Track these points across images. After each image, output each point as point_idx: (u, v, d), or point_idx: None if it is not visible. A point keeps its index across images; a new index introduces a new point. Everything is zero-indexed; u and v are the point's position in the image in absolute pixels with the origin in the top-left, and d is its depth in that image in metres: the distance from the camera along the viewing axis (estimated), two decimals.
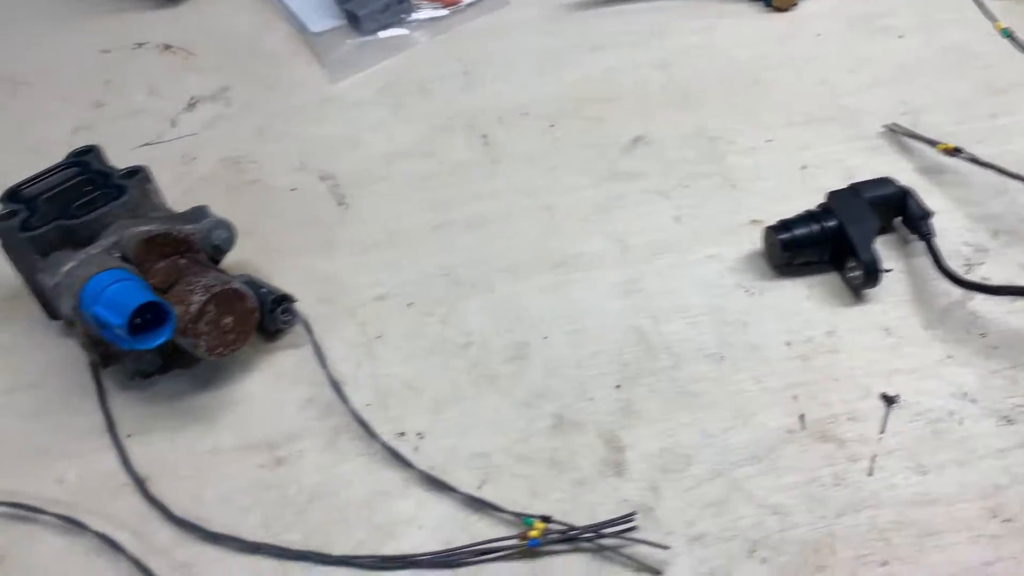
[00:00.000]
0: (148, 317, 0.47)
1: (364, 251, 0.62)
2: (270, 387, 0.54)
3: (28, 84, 0.80)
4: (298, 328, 0.56)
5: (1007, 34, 0.58)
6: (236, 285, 0.51)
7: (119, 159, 0.58)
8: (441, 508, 0.48)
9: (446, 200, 0.65)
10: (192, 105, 0.76)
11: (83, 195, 0.54)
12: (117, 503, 0.49)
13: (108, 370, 0.54)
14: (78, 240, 0.52)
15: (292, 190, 0.67)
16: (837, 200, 0.56)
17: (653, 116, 0.70)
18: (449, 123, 0.72)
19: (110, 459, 0.51)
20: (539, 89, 0.74)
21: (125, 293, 0.47)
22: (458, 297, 0.58)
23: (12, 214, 0.53)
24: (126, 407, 0.53)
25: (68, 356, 0.56)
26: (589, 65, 0.76)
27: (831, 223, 0.55)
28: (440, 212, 0.64)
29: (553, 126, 0.71)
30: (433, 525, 0.47)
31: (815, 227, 0.55)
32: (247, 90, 0.77)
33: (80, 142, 0.68)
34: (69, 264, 0.49)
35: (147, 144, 0.72)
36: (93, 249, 0.50)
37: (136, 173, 0.55)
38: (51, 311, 0.56)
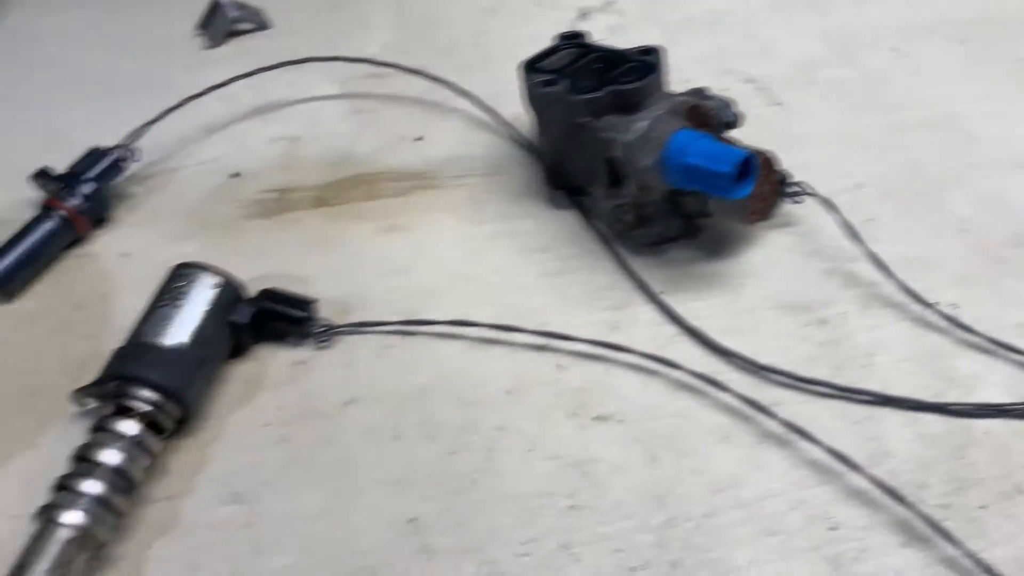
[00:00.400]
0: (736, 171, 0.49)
1: (819, 146, 0.64)
2: (780, 259, 0.56)
3: None
4: (785, 208, 0.57)
5: None
6: (770, 156, 0.53)
7: None
8: (1006, 369, 0.49)
9: (882, 104, 0.67)
10: (585, 15, 0.78)
11: (600, 70, 0.56)
12: (676, 351, 0.51)
13: (616, 241, 0.57)
14: (623, 106, 0.54)
15: (724, 90, 0.69)
16: None
17: None
18: (851, 38, 0.74)
19: (650, 312, 0.54)
20: (931, 11, 0.76)
21: (718, 145, 0.49)
22: (937, 189, 0.60)
23: (551, 82, 0.55)
24: (644, 270, 0.56)
25: (564, 224, 0.59)
26: None
27: None
28: (881, 115, 0.66)
29: (964, 42, 0.72)
30: (1003, 383, 0.48)
31: None
32: (633, 5, 0.79)
33: (483, 45, 0.71)
34: (644, 122, 0.52)
35: None
36: (656, 111, 0.53)
37: (652, 51, 0.57)
38: (556, 179, 0.59)
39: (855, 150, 0.63)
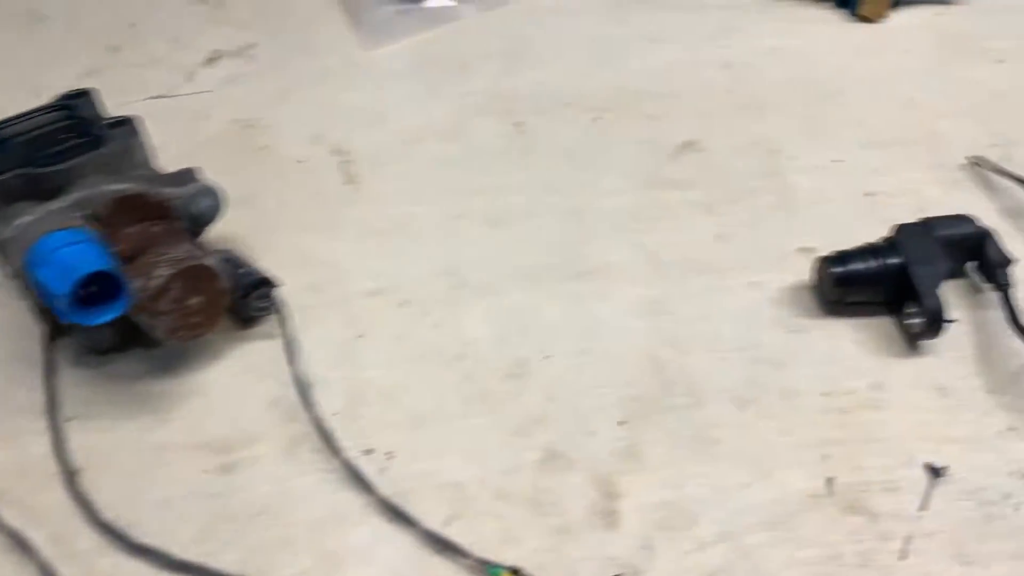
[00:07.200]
0: (98, 288, 0.41)
1: (366, 237, 0.56)
2: (235, 380, 0.48)
3: (47, 20, 0.76)
4: (277, 317, 0.49)
5: None
6: (208, 262, 0.45)
7: (123, 110, 0.52)
8: (400, 541, 0.41)
9: (466, 190, 0.59)
10: (213, 60, 0.70)
11: (59, 142, 0.47)
12: (43, 495, 0.43)
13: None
14: (44, 192, 0.46)
15: (300, 162, 0.61)
16: (905, 235, 0.50)
17: (710, 120, 0.64)
18: (485, 106, 0.66)
19: (45, 443, 0.45)
20: (588, 78, 0.68)
21: (76, 258, 0.41)
22: (460, 300, 0.52)
23: None
24: (74, 385, 0.47)
25: (23, 320, 0.50)
26: (648, 58, 0.70)
27: (894, 260, 0.49)
28: (457, 202, 0.58)
29: (597, 120, 0.64)
30: (387, 561, 0.41)
31: (874, 263, 0.49)
32: (273, 49, 0.72)
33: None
34: (27, 217, 0.44)
35: (157, 97, 0.66)
36: (56, 204, 0.45)
37: (123, 124, 0.49)
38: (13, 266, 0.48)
39: (403, 244, 0.56)
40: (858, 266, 0.49)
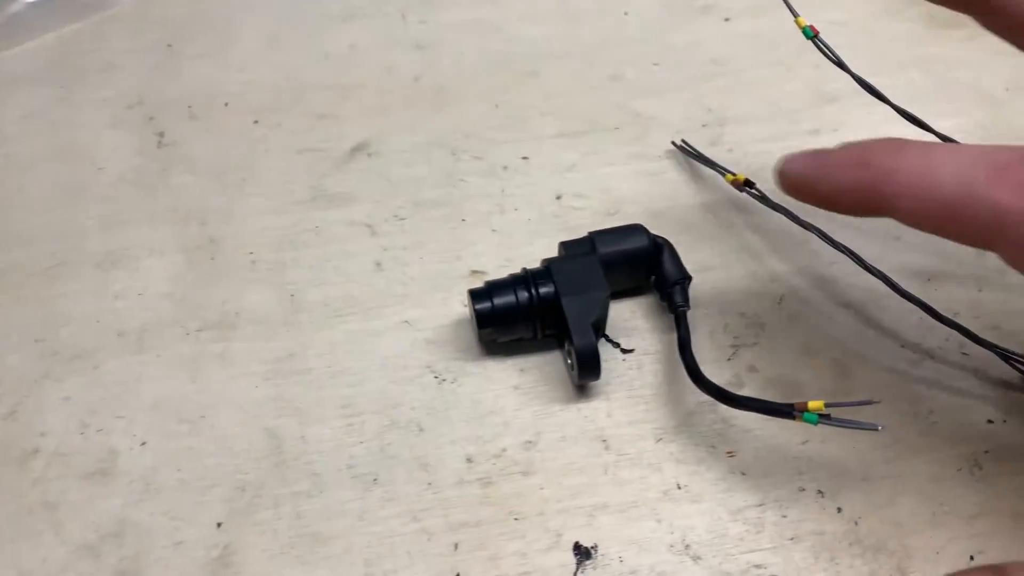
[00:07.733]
0: None
1: None
2: None
3: None
4: None
5: (810, 35, 0.42)
6: None
7: None
8: None
9: (79, 228, 0.49)
10: None
11: None
12: None
13: None
14: None
15: None
16: (562, 257, 0.42)
17: (389, 117, 0.55)
18: (124, 115, 0.55)
19: None
20: (257, 70, 0.58)
21: None
22: (46, 375, 0.42)
23: None
24: None
25: None
26: (332, 40, 0.60)
27: (547, 290, 0.41)
28: (65, 244, 0.48)
29: (257, 122, 0.54)
30: None
31: (525, 295, 0.41)
32: None
33: None
34: None
35: None
36: None
37: None
38: None
39: None
40: (506, 300, 0.41)
